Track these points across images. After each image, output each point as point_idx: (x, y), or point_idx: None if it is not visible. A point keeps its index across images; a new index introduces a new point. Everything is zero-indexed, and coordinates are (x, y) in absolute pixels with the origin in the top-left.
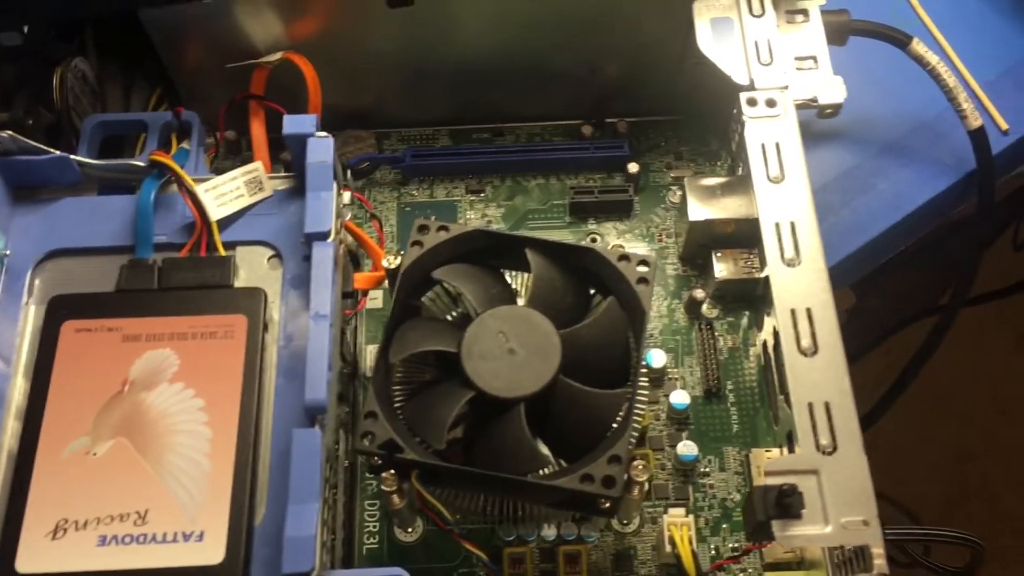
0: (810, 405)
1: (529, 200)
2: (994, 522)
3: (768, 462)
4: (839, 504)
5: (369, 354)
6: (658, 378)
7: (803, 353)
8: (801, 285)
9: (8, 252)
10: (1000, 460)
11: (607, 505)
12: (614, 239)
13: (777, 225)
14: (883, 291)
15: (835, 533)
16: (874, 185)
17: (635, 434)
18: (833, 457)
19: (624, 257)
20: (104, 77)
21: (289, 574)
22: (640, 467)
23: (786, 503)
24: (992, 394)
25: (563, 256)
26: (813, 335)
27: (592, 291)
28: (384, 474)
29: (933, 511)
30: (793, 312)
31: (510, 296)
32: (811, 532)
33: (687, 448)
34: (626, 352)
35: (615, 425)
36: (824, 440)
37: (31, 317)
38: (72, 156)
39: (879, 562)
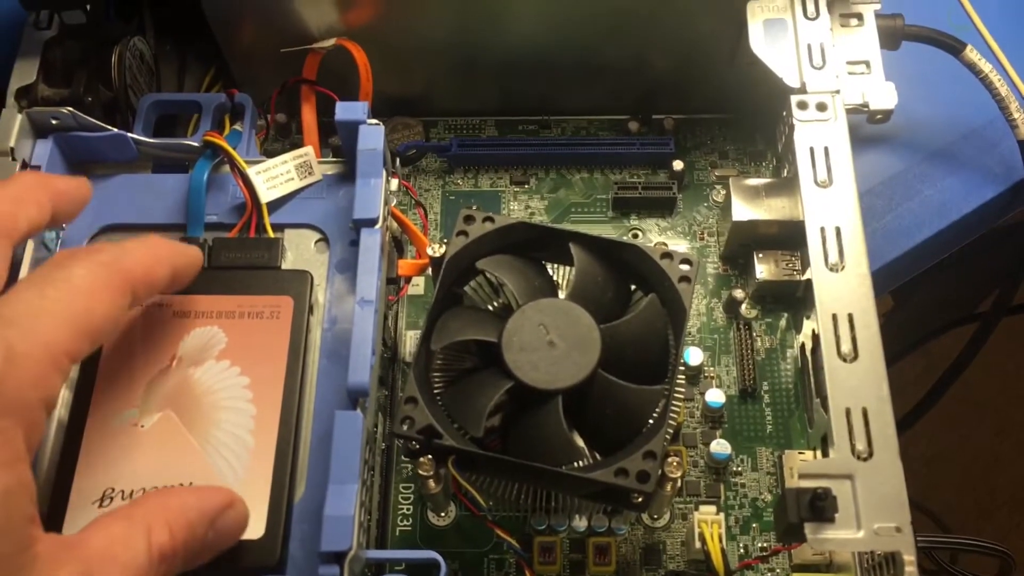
0: (847, 410)
1: (572, 193)
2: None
3: (803, 464)
4: (872, 510)
5: (409, 339)
6: (694, 376)
7: (843, 358)
8: (844, 290)
9: (64, 226)
10: None
11: (640, 500)
12: (656, 236)
13: (822, 230)
14: (923, 296)
15: (867, 538)
16: (920, 191)
17: (670, 432)
18: (868, 463)
19: (667, 255)
20: (160, 56)
21: (327, 552)
22: (674, 463)
23: (819, 506)
24: None
25: (606, 251)
26: (854, 341)
27: (633, 287)
28: (421, 459)
29: (962, 519)
30: (835, 317)
31: (552, 288)
32: (843, 536)
33: (720, 447)
34: (665, 349)
35: (651, 421)
36: (860, 445)
37: None
38: (129, 134)
39: (910, 569)
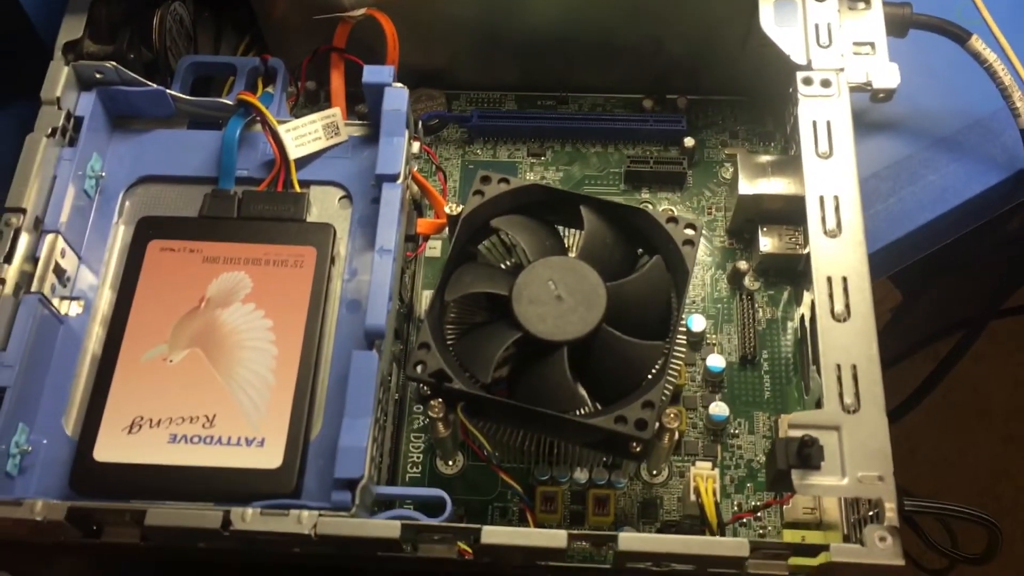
0: (838, 366)
1: (587, 167)
2: None
3: (793, 416)
4: (857, 459)
5: (425, 298)
6: (697, 341)
7: (836, 318)
8: (840, 255)
9: (104, 174)
10: None
11: (638, 449)
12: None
13: (821, 198)
14: (931, 295)
15: (851, 485)
16: (924, 176)
17: (669, 387)
18: (855, 416)
19: (672, 219)
20: (198, 22)
21: (341, 479)
22: (672, 415)
23: (806, 453)
24: None
25: (615, 215)
26: (847, 302)
27: (640, 251)
28: (432, 402)
29: (967, 526)
30: (830, 280)
31: (562, 249)
32: (828, 483)
33: (719, 409)
34: (667, 309)
35: (651, 375)
36: (848, 399)
37: (120, 235)
38: (168, 90)
39: (891, 515)
